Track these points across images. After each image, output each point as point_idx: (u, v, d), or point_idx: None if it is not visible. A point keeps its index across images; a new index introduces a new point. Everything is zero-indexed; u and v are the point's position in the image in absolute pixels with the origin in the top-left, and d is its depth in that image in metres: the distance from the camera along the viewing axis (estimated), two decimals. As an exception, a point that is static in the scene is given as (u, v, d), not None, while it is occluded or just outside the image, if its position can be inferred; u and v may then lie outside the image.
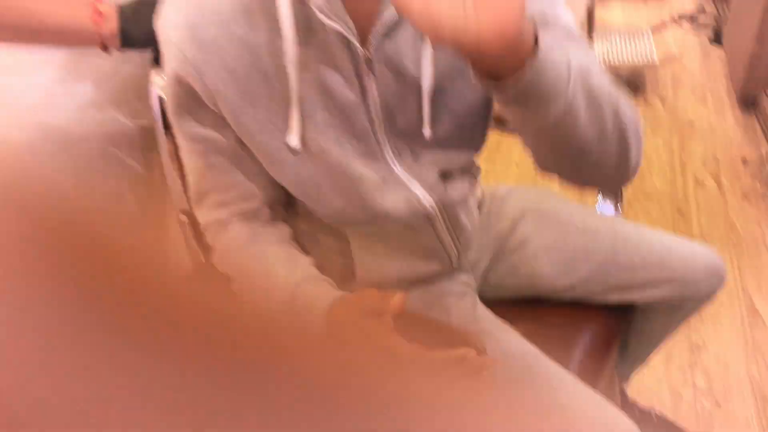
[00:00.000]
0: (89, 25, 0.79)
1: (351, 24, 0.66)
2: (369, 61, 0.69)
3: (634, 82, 2.63)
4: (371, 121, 0.72)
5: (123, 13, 0.81)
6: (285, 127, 0.70)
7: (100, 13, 0.79)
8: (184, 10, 0.66)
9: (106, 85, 0.92)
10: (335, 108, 0.70)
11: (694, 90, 2.57)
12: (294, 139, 0.70)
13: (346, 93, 0.70)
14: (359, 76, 0.69)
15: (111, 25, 0.80)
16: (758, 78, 2.31)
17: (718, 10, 3.10)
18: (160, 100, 0.92)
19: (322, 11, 0.64)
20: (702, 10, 3.15)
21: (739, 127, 2.34)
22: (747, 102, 2.41)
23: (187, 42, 0.65)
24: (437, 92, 0.72)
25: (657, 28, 2.88)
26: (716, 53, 2.81)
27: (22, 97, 0.88)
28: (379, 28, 0.67)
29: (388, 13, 0.67)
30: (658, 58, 2.59)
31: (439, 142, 0.76)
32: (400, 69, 0.70)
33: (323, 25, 0.65)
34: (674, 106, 2.48)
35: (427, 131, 0.74)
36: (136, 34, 0.80)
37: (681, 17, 3.13)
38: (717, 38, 2.89)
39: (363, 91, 0.70)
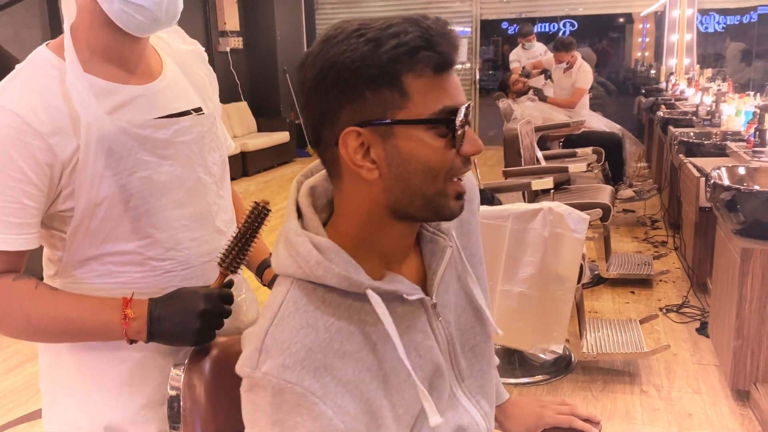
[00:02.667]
0: (118, 328, 0.97)
1: (416, 286, 0.84)
2: (434, 307, 0.87)
3: (628, 371, 2.72)
4: (445, 360, 0.88)
5: (152, 311, 0.97)
6: (411, 410, 0.83)
7: (126, 317, 0.97)
8: (288, 352, 0.74)
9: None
10: (422, 359, 0.85)
11: (687, 380, 2.65)
12: (436, 419, 0.81)
13: (427, 343, 0.86)
14: (430, 323, 0.86)
15: (139, 323, 0.97)
16: (744, 371, 2.39)
17: (702, 303, 3.30)
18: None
19: (408, 294, 0.82)
20: (687, 303, 3.36)
21: (735, 418, 2.36)
22: (740, 393, 2.47)
23: (304, 377, 0.73)
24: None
25: (647, 318, 3.05)
26: (705, 343, 2.94)
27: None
28: (437, 281, 0.87)
29: (436, 265, 0.87)
30: (649, 348, 2.72)
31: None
32: (448, 302, 0.90)
33: (406, 300, 0.82)
34: (670, 395, 2.54)
35: (498, 330, 0.95)
36: (163, 330, 0.97)
37: (669, 308, 3.32)
38: (704, 329, 3.04)
39: (435, 335, 0.87)
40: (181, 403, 0.89)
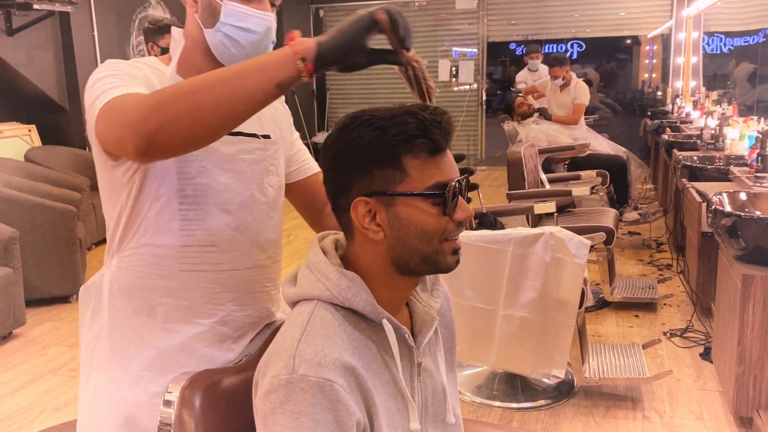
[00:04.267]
0: (285, 48, 0.96)
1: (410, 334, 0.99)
2: (419, 366, 1.00)
3: (630, 396, 2.70)
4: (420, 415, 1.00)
5: (321, 36, 0.97)
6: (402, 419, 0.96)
7: (293, 38, 0.97)
8: (322, 354, 0.87)
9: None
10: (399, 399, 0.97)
11: (690, 406, 2.63)
12: (416, 425, 0.96)
13: (404, 390, 0.96)
14: (411, 380, 0.99)
15: (307, 44, 0.95)
16: (747, 397, 2.38)
17: (706, 327, 3.28)
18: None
19: (408, 336, 0.97)
20: (692, 327, 3.34)
21: (738, 447, 2.34)
22: (743, 420, 2.44)
23: (338, 376, 0.86)
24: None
25: (650, 343, 3.03)
26: (709, 369, 2.91)
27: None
28: (423, 344, 1.00)
29: (426, 331, 1.01)
30: (652, 373, 2.70)
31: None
32: (428, 368, 1.02)
33: (404, 341, 0.97)
34: (672, 422, 2.51)
35: (451, 419, 1.04)
36: (332, 44, 0.97)
37: (672, 333, 3.30)
38: (708, 354, 3.02)
39: (413, 391, 1.00)
40: (172, 438, 0.90)
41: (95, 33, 5.71)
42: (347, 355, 0.88)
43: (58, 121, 5.57)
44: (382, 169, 0.90)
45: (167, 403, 0.93)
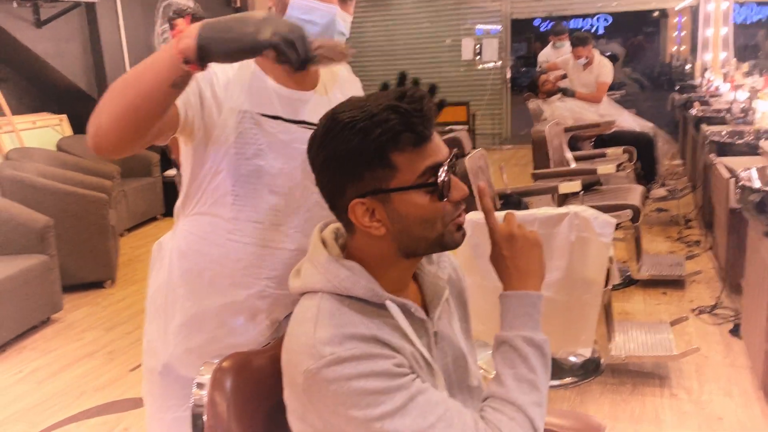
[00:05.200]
0: (173, 48, 0.94)
1: (419, 308, 0.99)
2: (435, 335, 1.02)
3: (657, 373, 2.70)
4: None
5: (202, 28, 0.94)
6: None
7: (179, 34, 0.95)
8: (341, 332, 0.90)
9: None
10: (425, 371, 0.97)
11: (719, 383, 2.62)
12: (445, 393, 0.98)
13: (428, 358, 0.98)
14: (430, 349, 1.00)
15: (188, 41, 0.93)
16: (776, 374, 2.36)
17: (735, 304, 3.25)
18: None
19: (416, 310, 0.98)
20: (721, 304, 3.31)
21: (767, 421, 2.33)
22: (772, 396, 2.43)
23: (360, 344, 0.89)
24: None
25: (678, 320, 3.02)
26: (738, 345, 2.90)
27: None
28: (437, 313, 1.02)
29: (438, 300, 1.03)
30: (680, 350, 2.69)
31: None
32: (446, 336, 1.04)
33: (413, 315, 0.97)
34: (700, 399, 2.51)
35: (473, 381, 1.06)
36: (213, 44, 0.93)
37: (701, 310, 3.28)
38: (737, 331, 3.00)
39: (434, 356, 1.00)
40: (205, 420, 0.94)
41: (121, 22, 5.78)
42: (364, 329, 0.91)
43: (87, 110, 5.46)
44: (372, 170, 0.90)
45: (200, 386, 0.97)
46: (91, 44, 5.58)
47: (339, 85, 1.33)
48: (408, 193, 0.91)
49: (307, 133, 1.18)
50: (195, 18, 3.46)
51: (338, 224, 1.04)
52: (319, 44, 1.02)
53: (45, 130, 5.27)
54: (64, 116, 5.49)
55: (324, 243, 1.00)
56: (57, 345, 3.40)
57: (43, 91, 5.50)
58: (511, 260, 1.02)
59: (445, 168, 0.92)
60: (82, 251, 4.07)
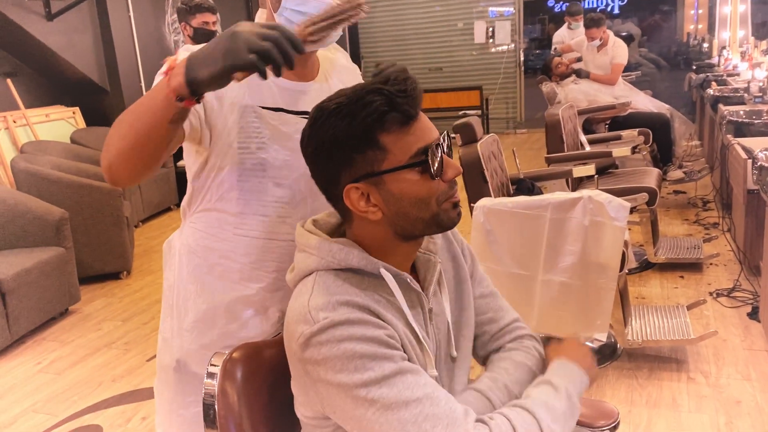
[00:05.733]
0: (166, 88, 0.95)
1: (415, 282, 1.01)
2: (430, 312, 1.03)
3: (675, 357, 2.69)
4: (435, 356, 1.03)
5: (188, 63, 0.94)
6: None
7: (170, 71, 0.96)
8: (335, 298, 0.92)
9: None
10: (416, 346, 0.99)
11: (737, 366, 2.60)
12: (433, 372, 0.99)
13: (427, 338, 1.00)
14: (425, 324, 1.02)
15: (178, 78, 0.93)
16: (796, 357, 2.34)
17: (753, 287, 3.22)
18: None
19: (411, 281, 1.00)
20: (739, 287, 3.28)
21: (786, 406, 2.31)
22: (792, 380, 2.41)
23: (354, 309, 0.92)
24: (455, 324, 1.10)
25: (695, 304, 2.99)
26: (756, 328, 2.87)
27: None
28: (431, 289, 1.03)
29: (431, 276, 1.04)
30: (698, 334, 2.68)
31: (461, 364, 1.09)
32: (440, 312, 1.05)
33: (409, 286, 0.99)
34: (718, 382, 2.50)
35: (453, 352, 1.07)
36: (200, 77, 0.92)
37: (719, 293, 3.25)
38: (755, 314, 2.97)
39: (428, 335, 1.01)
40: (216, 410, 0.95)
41: (131, 14, 5.79)
42: (357, 297, 0.92)
43: (99, 102, 5.70)
44: (363, 153, 0.92)
45: (211, 375, 0.99)
46: (102, 36, 5.60)
47: (337, 72, 1.34)
48: (401, 174, 0.93)
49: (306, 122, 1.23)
50: (205, 8, 3.47)
51: (314, 217, 1.06)
52: (318, 18, 1.03)
53: (58, 123, 5.32)
54: (77, 109, 5.53)
55: (310, 233, 1.02)
56: (75, 336, 3.45)
57: (55, 84, 5.54)
58: (565, 355, 1.08)
59: (435, 147, 0.93)
60: (97, 243, 4.12)
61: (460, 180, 1.10)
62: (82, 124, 5.50)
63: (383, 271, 0.96)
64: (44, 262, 3.47)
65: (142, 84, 5.88)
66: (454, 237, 1.16)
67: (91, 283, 4.14)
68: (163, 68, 1.02)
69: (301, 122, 1.19)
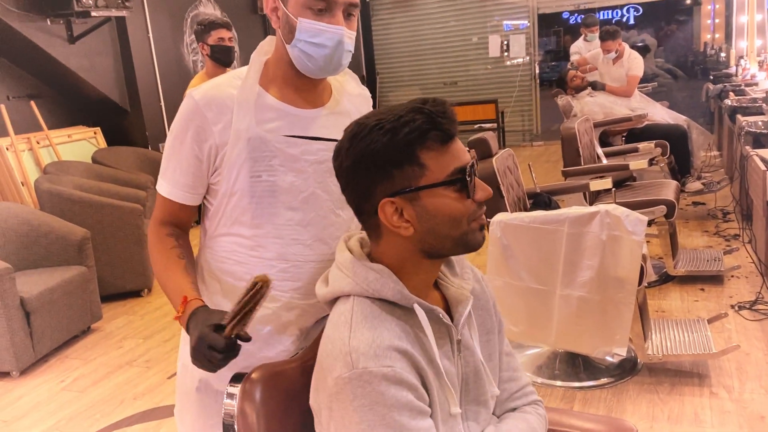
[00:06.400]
0: (177, 306, 1.20)
1: (445, 314, 1.02)
2: (459, 343, 1.05)
3: (697, 372, 2.66)
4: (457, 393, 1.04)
5: (193, 316, 1.14)
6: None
7: (183, 306, 1.18)
8: (375, 345, 0.93)
9: None
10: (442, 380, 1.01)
11: (761, 380, 2.57)
12: (456, 409, 1.01)
13: (452, 369, 1.02)
14: (453, 355, 1.03)
15: (182, 321, 1.16)
16: (820, 371, 2.30)
17: (776, 299, 3.18)
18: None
19: (443, 315, 1.01)
20: (761, 299, 3.24)
21: (812, 421, 2.28)
22: (817, 394, 2.37)
23: (395, 360, 0.94)
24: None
25: (717, 317, 2.96)
26: (780, 342, 2.83)
27: None
28: (462, 322, 1.04)
29: (463, 308, 1.05)
30: (720, 347, 2.65)
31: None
32: (469, 345, 1.06)
33: (440, 321, 1.01)
34: (741, 397, 2.47)
35: (496, 390, 1.10)
36: (193, 334, 1.11)
37: (741, 306, 3.22)
38: (778, 327, 2.93)
39: (455, 366, 1.04)
40: (236, 430, 0.97)
41: (150, 35, 5.90)
42: (396, 340, 0.94)
43: (120, 122, 5.80)
44: (402, 168, 0.95)
45: (230, 396, 1.00)
46: (122, 57, 5.71)
47: (348, 97, 1.37)
48: (437, 191, 0.96)
49: (314, 145, 1.26)
50: (219, 25, 3.53)
51: (362, 234, 1.07)
52: (234, 313, 1.08)
53: (80, 143, 5.41)
54: (98, 129, 5.62)
55: (350, 251, 1.04)
56: (97, 354, 3.49)
57: (77, 104, 5.65)
58: None
59: (471, 168, 0.97)
60: (119, 261, 4.17)
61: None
62: (103, 143, 5.59)
63: (417, 308, 0.98)
64: (67, 281, 3.53)
65: (162, 104, 5.97)
66: (486, 287, 1.18)
67: (112, 301, 4.19)
68: (177, 307, 1.20)
69: (306, 144, 1.25)
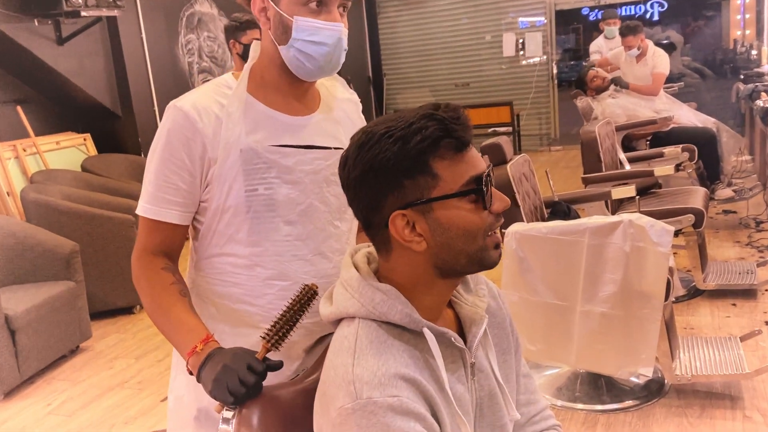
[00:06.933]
0: (185, 355, 1.17)
1: (458, 337, 1.01)
2: (473, 366, 1.03)
3: (728, 394, 2.64)
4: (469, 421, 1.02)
5: (217, 352, 1.12)
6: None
7: (195, 350, 1.14)
8: (380, 373, 0.93)
9: None
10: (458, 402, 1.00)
11: (798, 403, 2.54)
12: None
13: (466, 396, 1.01)
14: (467, 379, 1.02)
15: (195, 361, 1.14)
16: None
17: (814, 315, 3.16)
18: None
19: (455, 339, 1.00)
20: (798, 314, 3.21)
21: None
22: None
23: (402, 389, 0.93)
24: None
25: (750, 334, 2.94)
26: (819, 361, 2.80)
27: None
28: (476, 343, 1.03)
29: (477, 329, 1.04)
30: (754, 367, 2.63)
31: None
32: (483, 368, 1.05)
33: (452, 345, 1.00)
34: (777, 421, 2.44)
35: (517, 415, 1.08)
36: (204, 380, 1.11)
37: (776, 321, 3.19)
38: (817, 345, 2.91)
39: (469, 391, 1.03)
40: (232, 457, 0.97)
41: (143, 35, 5.94)
42: (403, 367, 0.93)
43: (111, 128, 5.83)
44: (414, 179, 0.94)
45: (225, 421, 1.00)
46: (114, 59, 5.75)
47: (339, 103, 1.38)
48: (451, 202, 0.95)
49: (308, 154, 1.26)
50: (255, 25, 3.55)
51: (369, 248, 1.06)
52: (279, 323, 1.11)
53: (69, 150, 5.45)
54: (88, 135, 5.66)
55: (356, 267, 1.03)
56: (87, 375, 3.50)
57: (66, 110, 5.69)
58: None
59: (487, 177, 0.97)
60: (109, 276, 4.19)
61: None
62: (93, 151, 5.63)
63: (426, 332, 0.98)
64: (55, 298, 3.54)
65: (156, 108, 6.01)
66: (503, 303, 1.18)
67: (102, 318, 4.21)
68: (188, 347, 1.17)
69: (299, 154, 1.26)
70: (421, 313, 0.98)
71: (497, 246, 1.00)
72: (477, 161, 0.98)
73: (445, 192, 0.95)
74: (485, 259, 0.99)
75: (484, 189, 0.96)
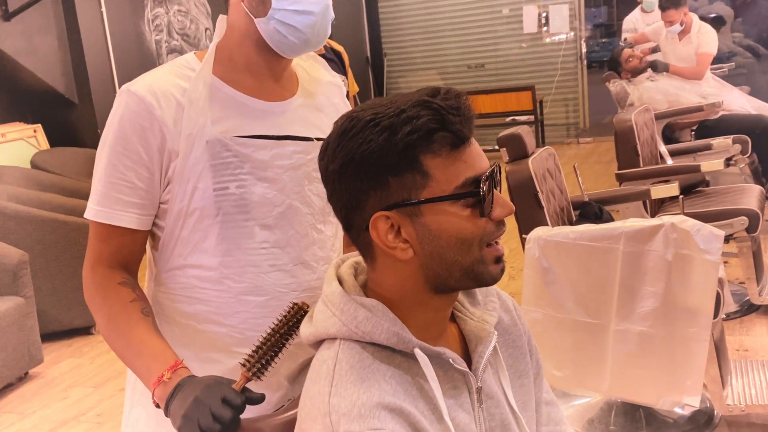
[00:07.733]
0: (151, 385, 1.15)
1: (460, 358, 0.99)
2: (479, 392, 1.02)
3: (789, 426, 2.64)
4: None
5: (188, 381, 1.10)
6: None
7: (161, 379, 1.13)
8: (359, 403, 0.91)
9: None
10: None
11: None
12: None
13: (470, 426, 0.99)
14: (473, 406, 1.01)
15: (162, 392, 1.12)
16: None
17: None
18: None
19: (454, 360, 0.98)
20: None
21: None
22: None
23: (385, 420, 0.91)
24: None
25: (814, 357, 2.94)
26: None
27: None
28: (482, 365, 1.02)
29: (483, 348, 1.02)
30: (818, 395, 2.62)
31: None
32: (493, 394, 1.04)
33: (452, 367, 0.98)
34: None
35: None
36: (173, 414, 1.10)
37: (844, 342, 3.19)
38: None
39: (475, 421, 1.01)
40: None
41: (103, 9, 5.95)
42: (389, 396, 0.91)
43: (66, 117, 5.84)
44: (400, 176, 0.93)
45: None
46: (69, 38, 5.75)
47: (322, 88, 1.38)
48: (443, 206, 0.94)
49: (286, 147, 1.25)
50: None
51: (357, 258, 1.05)
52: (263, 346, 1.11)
53: (17, 144, 5.45)
54: (39, 126, 5.66)
55: (340, 281, 1.02)
56: (37, 406, 3.49)
57: (12, 96, 5.69)
58: None
59: (487, 179, 0.94)
60: (64, 290, 4.18)
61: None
62: (45, 144, 5.63)
63: (418, 353, 0.96)
64: (0, 316, 3.54)
65: (118, 94, 6.01)
66: (519, 318, 1.16)
67: (56, 340, 4.20)
68: (154, 376, 1.15)
69: (277, 146, 1.24)
70: (414, 331, 0.97)
71: (498, 260, 0.98)
72: (477, 159, 0.96)
73: (436, 194, 0.93)
74: (482, 275, 0.97)
75: (483, 193, 0.94)
